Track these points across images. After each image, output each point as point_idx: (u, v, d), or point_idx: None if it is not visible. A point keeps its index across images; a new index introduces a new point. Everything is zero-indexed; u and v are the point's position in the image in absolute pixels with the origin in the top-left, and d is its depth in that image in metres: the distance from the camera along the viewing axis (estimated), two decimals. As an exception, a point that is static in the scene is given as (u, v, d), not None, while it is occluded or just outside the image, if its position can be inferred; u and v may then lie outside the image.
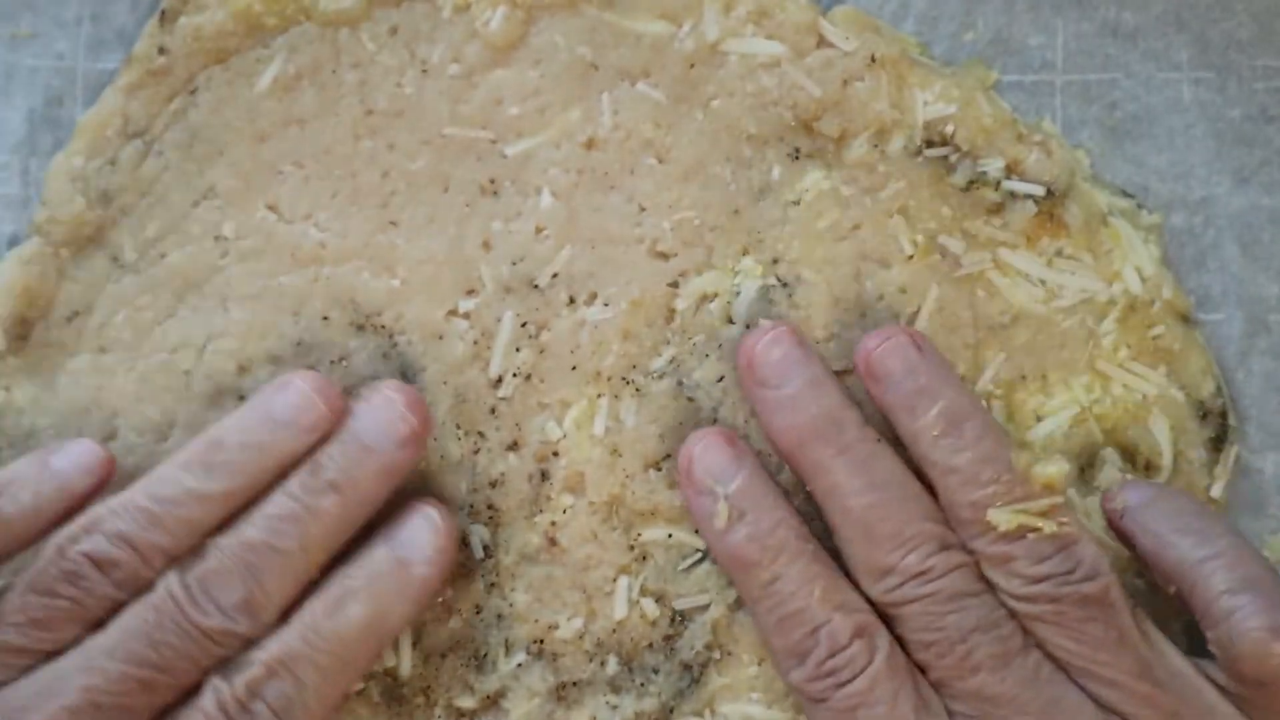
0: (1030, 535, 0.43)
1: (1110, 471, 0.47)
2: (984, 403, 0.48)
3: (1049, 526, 0.43)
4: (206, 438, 0.44)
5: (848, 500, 0.44)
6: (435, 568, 0.44)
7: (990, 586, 0.44)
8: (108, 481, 0.44)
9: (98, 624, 0.42)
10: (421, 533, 0.44)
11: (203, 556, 0.42)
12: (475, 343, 0.49)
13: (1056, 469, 0.44)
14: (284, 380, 0.45)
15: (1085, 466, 0.48)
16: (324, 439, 0.44)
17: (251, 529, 0.43)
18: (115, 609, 0.42)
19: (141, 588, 0.42)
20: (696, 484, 0.46)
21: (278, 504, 0.43)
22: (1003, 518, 0.43)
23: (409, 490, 0.47)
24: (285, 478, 0.44)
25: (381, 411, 0.44)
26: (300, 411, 0.44)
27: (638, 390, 0.48)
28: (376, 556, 0.44)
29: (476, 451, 0.48)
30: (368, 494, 0.44)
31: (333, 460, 0.44)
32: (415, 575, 0.44)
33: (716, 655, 0.48)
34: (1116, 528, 0.46)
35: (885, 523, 0.44)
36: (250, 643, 0.43)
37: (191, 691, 0.42)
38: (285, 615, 0.43)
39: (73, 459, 0.44)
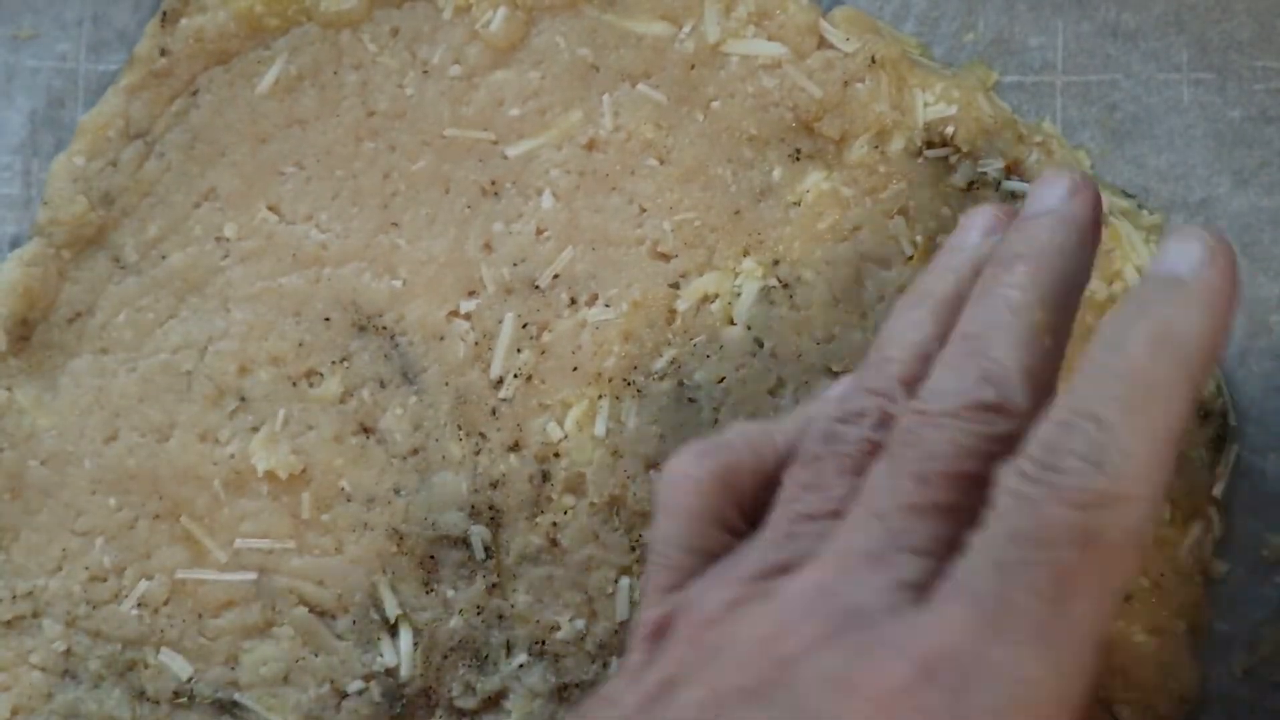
0: None
1: None
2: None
3: None
4: (910, 285, 0.42)
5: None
6: (1213, 268, 0.37)
7: None
8: None
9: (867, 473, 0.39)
10: (1178, 246, 0.37)
11: (930, 375, 0.39)
12: (476, 344, 0.49)
13: None
14: (960, 221, 0.43)
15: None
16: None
17: (960, 326, 0.39)
18: (876, 453, 0.38)
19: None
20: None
21: (973, 298, 0.39)
22: None
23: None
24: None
25: (1039, 187, 0.41)
26: (972, 221, 0.42)
27: (639, 391, 0.48)
28: (1134, 292, 0.39)
29: (478, 452, 0.48)
30: (1055, 247, 0.39)
31: (1009, 239, 0.40)
32: (1191, 283, 0.37)
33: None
34: None
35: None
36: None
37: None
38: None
39: (839, 386, 0.43)
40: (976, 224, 0.42)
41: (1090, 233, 0.40)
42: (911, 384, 0.39)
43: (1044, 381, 0.37)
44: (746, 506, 0.40)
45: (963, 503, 0.35)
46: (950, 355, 0.38)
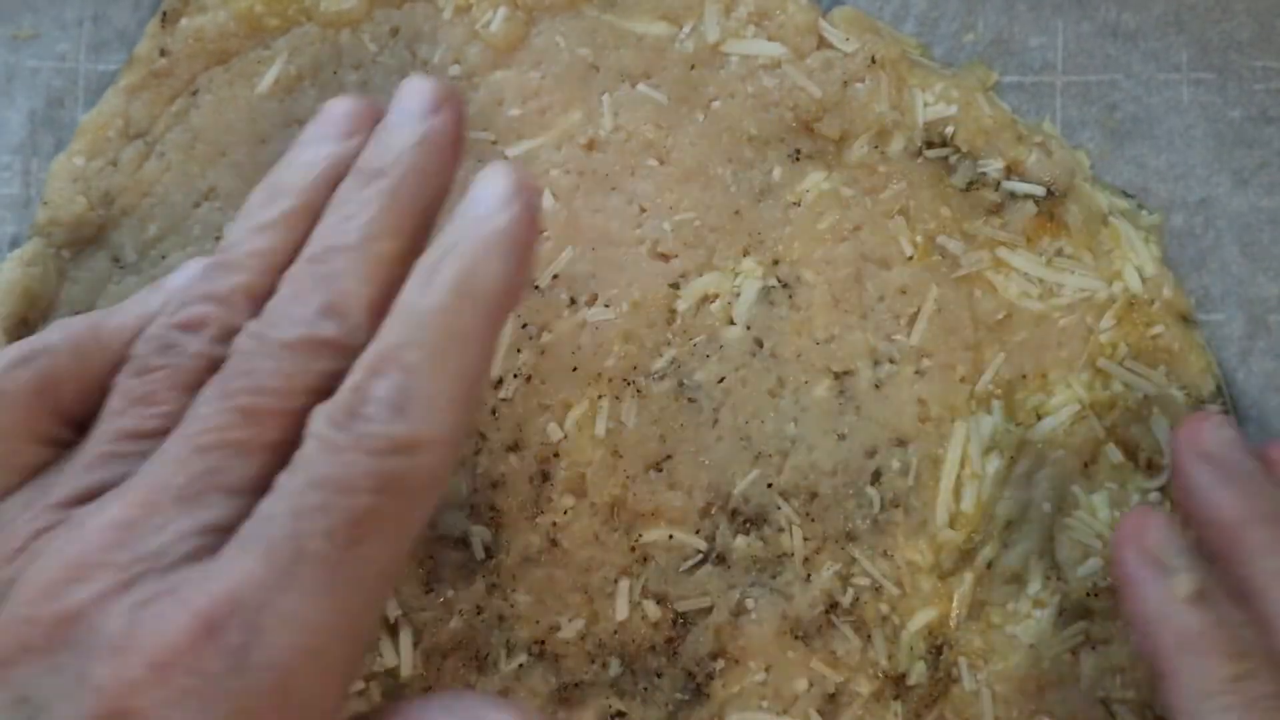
0: None
1: None
2: (974, 407, 0.48)
3: None
4: (260, 184, 0.41)
5: None
6: (512, 209, 0.37)
7: None
8: None
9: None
10: (488, 183, 0.38)
11: (275, 291, 0.38)
12: (476, 344, 0.49)
13: None
14: (318, 110, 0.42)
15: (1088, 463, 0.48)
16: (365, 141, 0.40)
17: (312, 245, 0.38)
18: (215, 369, 0.37)
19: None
20: (1150, 551, 0.42)
21: (330, 213, 0.39)
22: None
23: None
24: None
25: (403, 95, 0.40)
26: (332, 123, 0.41)
27: (639, 391, 0.48)
28: (447, 229, 0.38)
29: (477, 452, 0.48)
30: (416, 168, 0.39)
31: (370, 153, 0.39)
32: (494, 225, 0.37)
33: (721, 665, 0.48)
34: None
35: None
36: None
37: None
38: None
39: (181, 275, 0.41)
40: (336, 119, 0.41)
41: (451, 151, 0.40)
42: (257, 296, 0.38)
43: (385, 310, 0.37)
44: (74, 414, 0.38)
45: (286, 439, 0.35)
46: (297, 276, 0.37)
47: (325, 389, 0.35)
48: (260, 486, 0.34)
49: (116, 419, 0.37)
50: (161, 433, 0.36)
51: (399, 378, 0.35)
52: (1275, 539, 0.41)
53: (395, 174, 0.38)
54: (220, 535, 0.34)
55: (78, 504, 0.36)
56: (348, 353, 0.36)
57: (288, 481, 0.34)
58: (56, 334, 0.39)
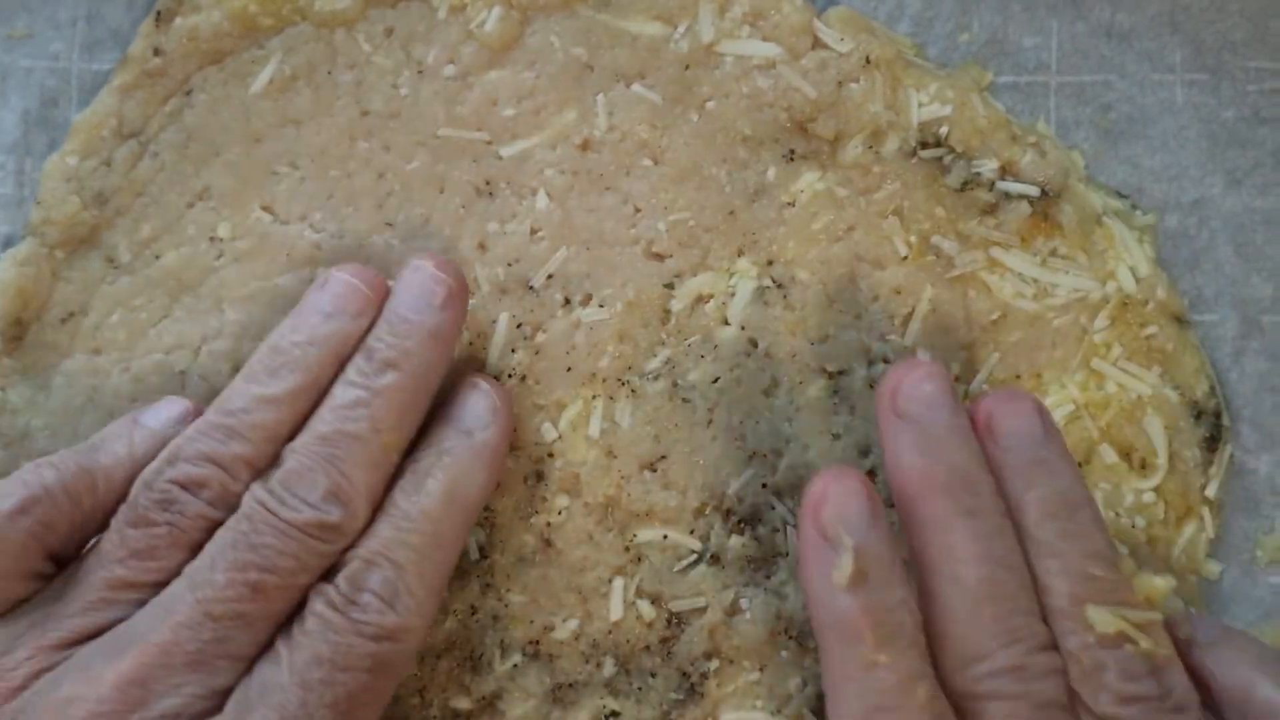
0: (1127, 647, 0.39)
1: (1175, 601, 0.44)
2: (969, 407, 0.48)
3: (1146, 642, 0.39)
4: (265, 345, 0.44)
5: (962, 568, 0.40)
6: (495, 429, 0.45)
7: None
8: None
9: (198, 548, 0.42)
10: (474, 402, 0.45)
11: (282, 462, 0.42)
12: (471, 344, 0.49)
13: (1163, 582, 0.41)
14: (323, 276, 0.45)
15: (1083, 463, 0.48)
16: (373, 323, 0.44)
17: (322, 424, 0.43)
18: (211, 530, 0.42)
19: (233, 504, 0.42)
20: (823, 525, 0.41)
21: (341, 394, 0.43)
22: (1104, 618, 0.39)
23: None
24: (344, 368, 0.44)
25: (415, 282, 0.45)
26: (345, 300, 0.44)
27: (633, 391, 0.48)
28: (440, 435, 0.45)
29: (472, 452, 0.48)
30: (423, 363, 0.44)
31: (382, 340, 0.44)
32: (479, 441, 0.45)
33: (715, 664, 0.48)
34: (1182, 658, 0.42)
35: (995, 603, 0.40)
36: (350, 545, 0.42)
37: (304, 602, 0.42)
38: (376, 511, 0.43)
39: (161, 415, 0.45)
40: (345, 295, 0.44)
41: (451, 345, 0.45)
42: (257, 466, 0.42)
43: (380, 495, 0.43)
44: (62, 552, 0.42)
45: (286, 610, 0.41)
46: (306, 452, 0.42)
47: (323, 567, 0.42)
48: (258, 652, 0.40)
49: (115, 567, 0.41)
50: (157, 585, 0.41)
51: (390, 573, 0.41)
52: (947, 513, 0.40)
53: (406, 369, 0.43)
54: (222, 697, 0.40)
55: (75, 645, 0.40)
56: (345, 535, 0.42)
57: (292, 656, 0.40)
58: (51, 475, 0.42)
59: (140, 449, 0.43)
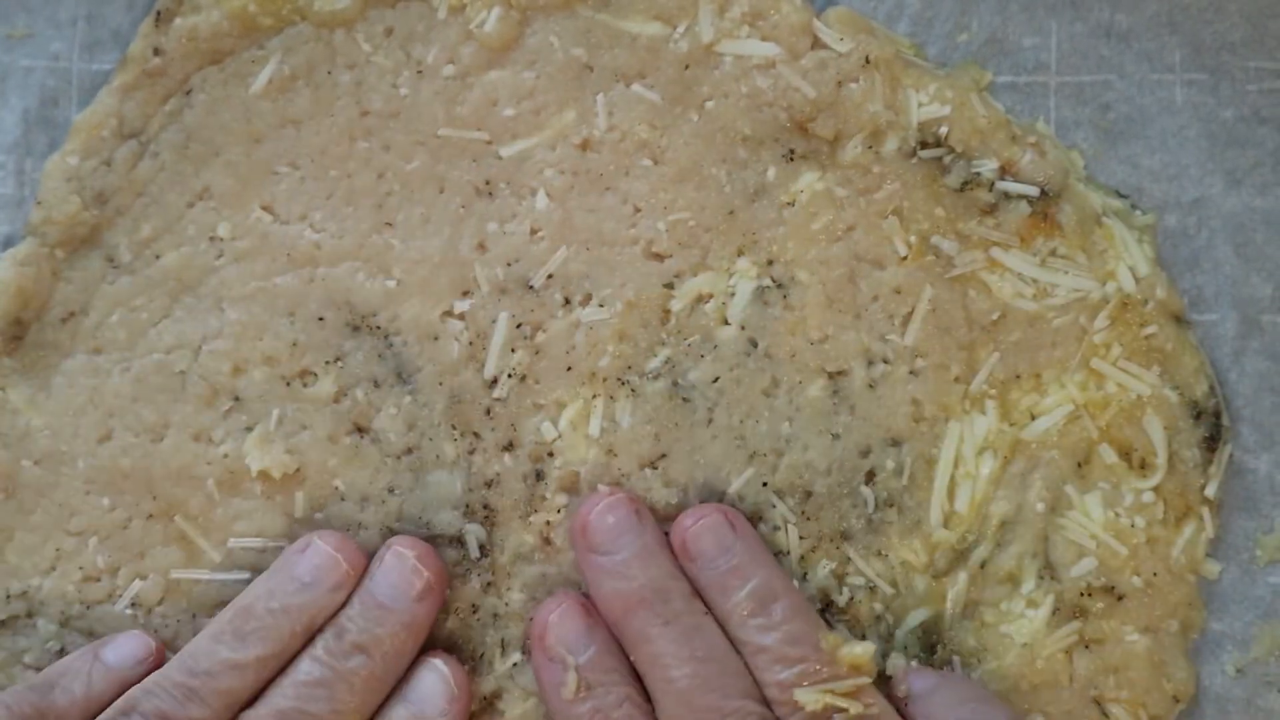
0: (837, 716, 0.43)
1: (896, 659, 0.47)
2: (968, 407, 0.48)
3: (855, 707, 0.43)
4: (236, 605, 0.45)
5: (669, 671, 0.44)
6: (450, 717, 0.46)
7: None
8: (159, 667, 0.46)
9: None
10: (433, 686, 0.46)
11: None
12: (470, 344, 0.49)
13: (863, 649, 0.44)
14: (305, 540, 0.46)
15: (1082, 463, 0.48)
16: (349, 596, 0.45)
17: (283, 698, 0.44)
18: None
19: None
20: (548, 651, 0.46)
21: (306, 670, 0.44)
22: (809, 697, 0.43)
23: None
24: (313, 639, 0.45)
25: (395, 569, 0.46)
26: (323, 571, 0.45)
27: (633, 391, 0.48)
28: (393, 715, 0.45)
29: (472, 452, 0.48)
30: (393, 650, 0.45)
31: (354, 622, 0.45)
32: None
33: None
34: (902, 713, 0.46)
35: (705, 695, 0.43)
36: None
37: None
38: None
39: (123, 652, 0.46)
40: (322, 568, 0.45)
41: (423, 635, 0.46)
42: None
43: None
44: None
45: None
46: None
47: None
48: None
49: None
50: None
51: None
52: (646, 626, 0.44)
53: (376, 655, 0.44)
54: None
55: None
56: None
57: None
58: (3, 715, 0.43)
59: (97, 689, 0.44)
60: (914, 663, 0.48)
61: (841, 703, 0.43)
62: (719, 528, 0.46)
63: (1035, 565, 0.48)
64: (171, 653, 0.46)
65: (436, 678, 0.46)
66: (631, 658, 0.45)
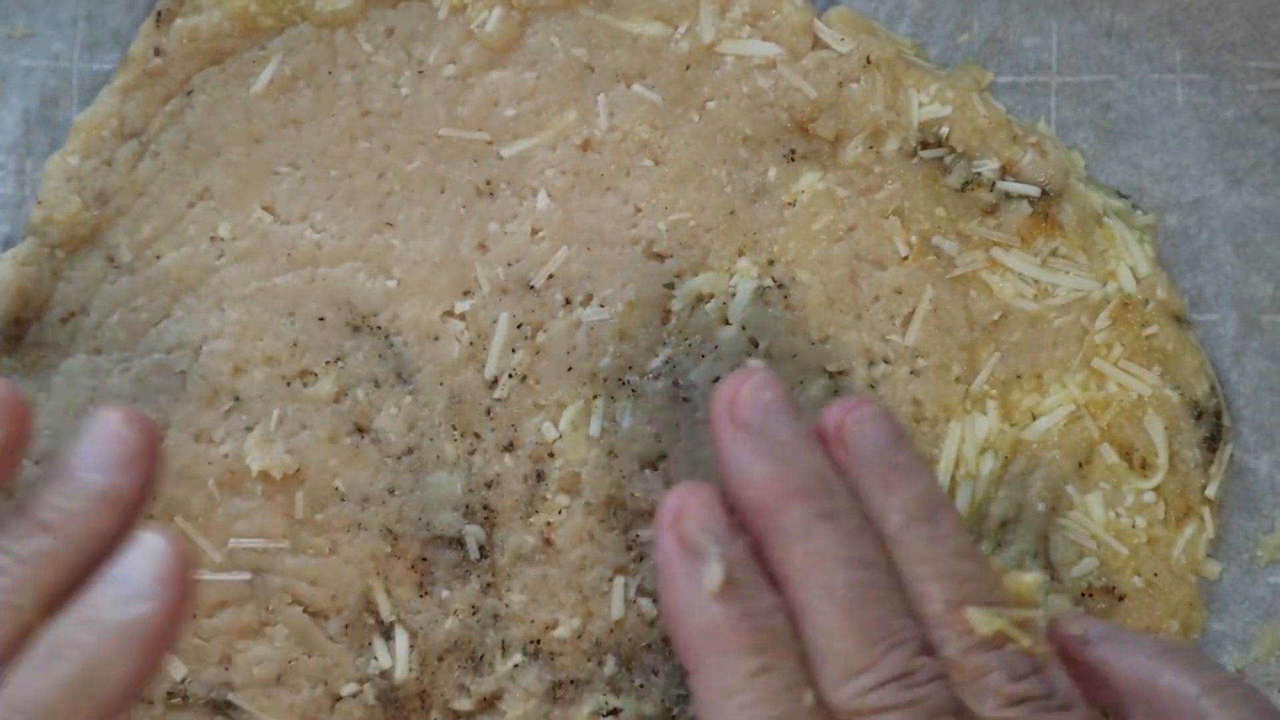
0: (1009, 647, 0.37)
1: (1058, 600, 0.44)
2: (969, 407, 0.48)
3: (1026, 640, 0.38)
4: None
5: (832, 574, 0.37)
6: (158, 603, 0.36)
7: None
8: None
9: None
10: (137, 563, 0.37)
11: None
12: (471, 344, 0.49)
13: (1032, 579, 0.39)
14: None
15: (1083, 463, 0.48)
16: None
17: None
18: None
19: None
20: (684, 535, 0.38)
21: None
22: (983, 619, 0.37)
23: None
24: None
25: (94, 434, 0.38)
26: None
27: (634, 391, 0.48)
28: (89, 599, 0.37)
29: (472, 452, 0.48)
30: (88, 527, 0.37)
31: (43, 499, 0.38)
32: (132, 617, 0.36)
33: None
34: (1074, 656, 0.41)
35: (870, 607, 0.37)
36: None
37: None
38: None
39: None
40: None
41: (129, 513, 0.38)
42: None
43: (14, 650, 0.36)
44: None
45: None
46: None
47: None
48: None
49: None
50: None
51: None
52: (807, 519, 0.38)
53: (64, 532, 0.37)
54: None
55: None
56: None
57: None
58: None
59: None
60: (1079, 608, 0.44)
61: (1014, 632, 0.37)
62: (881, 418, 0.40)
63: (1036, 565, 0.48)
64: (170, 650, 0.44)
65: (143, 553, 0.37)
66: (775, 556, 0.38)
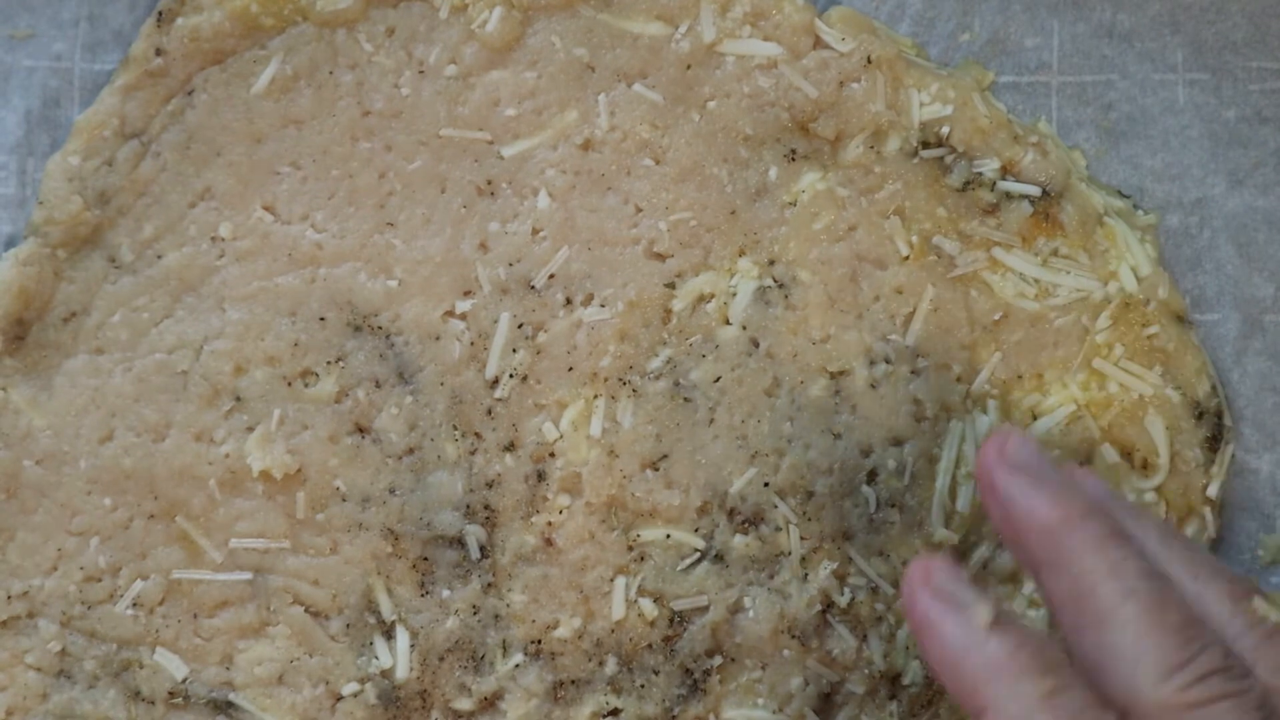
0: None
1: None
2: (970, 406, 0.49)
3: None
4: None
5: (1133, 579, 0.38)
6: None
7: None
8: None
9: None
10: None
11: None
12: (472, 344, 0.49)
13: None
14: None
15: (1084, 463, 0.48)
16: None
17: None
18: None
19: None
20: (938, 588, 0.40)
21: None
22: (1268, 607, 0.39)
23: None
24: None
25: None
26: None
27: (634, 391, 0.48)
28: None
29: (473, 452, 0.48)
30: None
31: None
32: None
33: (718, 661, 0.48)
34: None
35: (1177, 609, 0.38)
36: None
37: None
38: None
39: None
40: None
41: None
42: None
43: None
44: None
45: None
46: None
47: None
48: None
49: None
50: None
51: None
52: (1099, 535, 0.39)
53: None
54: None
55: None
56: None
57: None
58: None
59: None
60: None
61: None
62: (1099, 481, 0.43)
63: (1037, 565, 0.48)
64: (172, 650, 0.45)
65: None
66: (1068, 573, 0.39)
